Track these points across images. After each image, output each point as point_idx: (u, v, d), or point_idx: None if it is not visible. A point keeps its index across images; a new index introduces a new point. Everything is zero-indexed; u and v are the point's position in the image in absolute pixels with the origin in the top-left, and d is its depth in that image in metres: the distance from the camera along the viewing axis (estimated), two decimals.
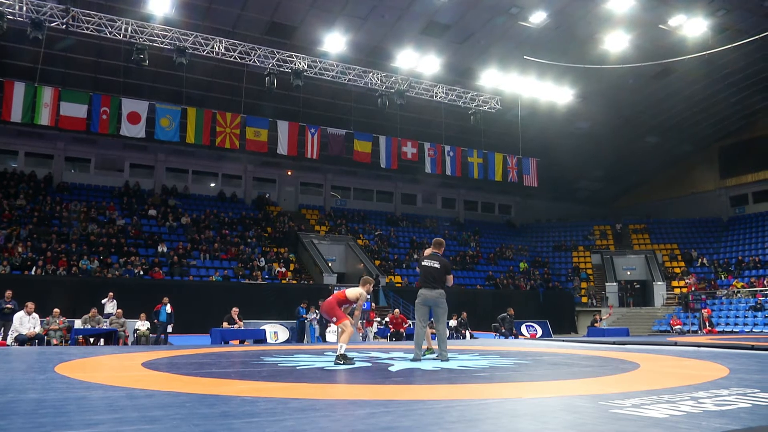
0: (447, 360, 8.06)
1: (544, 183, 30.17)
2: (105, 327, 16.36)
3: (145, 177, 30.42)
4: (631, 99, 30.42)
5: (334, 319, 8.01)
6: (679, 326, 25.49)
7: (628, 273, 34.26)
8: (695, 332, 24.52)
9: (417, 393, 5.31)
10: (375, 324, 20.43)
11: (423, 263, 8.40)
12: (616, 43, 24.32)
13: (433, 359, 8.41)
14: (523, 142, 26.18)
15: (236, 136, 21.95)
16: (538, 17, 23.53)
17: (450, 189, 38.49)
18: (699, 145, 37.23)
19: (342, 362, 7.47)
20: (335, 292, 8.52)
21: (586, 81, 27.04)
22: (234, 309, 17.08)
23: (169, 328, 17.78)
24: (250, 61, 20.81)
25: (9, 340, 14.66)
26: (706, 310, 26.18)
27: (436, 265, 8.38)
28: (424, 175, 30.41)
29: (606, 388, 5.38)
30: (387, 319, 20.60)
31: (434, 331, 8.71)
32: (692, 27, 23.61)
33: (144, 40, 19.07)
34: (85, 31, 18.68)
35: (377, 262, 29.04)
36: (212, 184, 32.74)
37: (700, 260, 33.93)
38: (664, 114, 32.72)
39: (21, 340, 14.06)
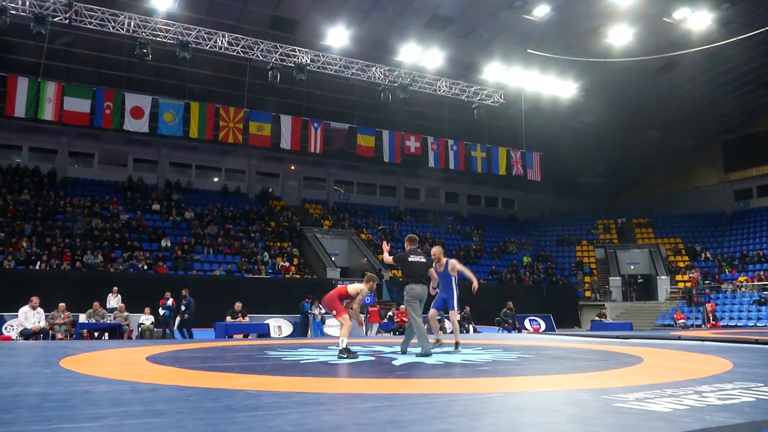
0: (430, 355, 8.02)
1: (548, 177, 30.10)
2: (109, 321, 16.43)
3: (149, 171, 30.42)
4: (635, 93, 30.29)
5: (334, 312, 8.09)
6: (682, 320, 25.46)
7: (632, 267, 34.21)
8: (699, 326, 24.48)
9: (420, 387, 5.32)
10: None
11: (410, 259, 8.42)
12: (619, 36, 24.23)
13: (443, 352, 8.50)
14: (526, 136, 26.11)
15: (239, 130, 21.98)
16: (541, 11, 23.44)
17: (453, 183, 38.42)
18: (703, 140, 37.09)
19: (345, 356, 7.53)
20: (338, 286, 8.58)
21: (590, 75, 26.92)
22: (237, 303, 17.15)
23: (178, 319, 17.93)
24: (253, 55, 20.79)
25: (14, 335, 14.76)
26: (710, 305, 26.13)
27: (423, 260, 8.52)
28: (427, 170, 30.38)
29: (609, 382, 5.38)
30: (391, 313, 20.65)
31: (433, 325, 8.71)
32: (696, 20, 23.47)
33: (147, 35, 19.06)
34: (88, 26, 18.69)
35: (380, 257, 29.03)
36: (215, 179, 32.75)
37: (704, 254, 33.85)
38: (667, 108, 32.59)
39: (26, 335, 14.14)
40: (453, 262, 8.94)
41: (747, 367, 6.56)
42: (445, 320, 19.85)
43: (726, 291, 29.56)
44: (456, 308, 8.99)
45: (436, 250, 9.02)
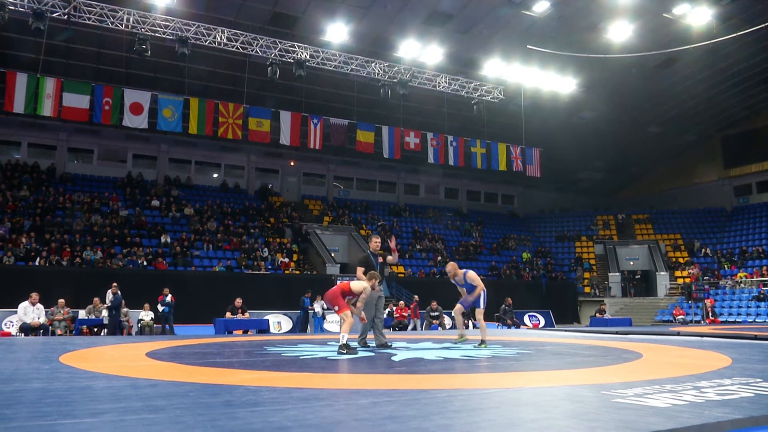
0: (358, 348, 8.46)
1: (547, 173, 30.09)
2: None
3: (148, 168, 30.37)
4: (635, 89, 30.25)
5: (336, 308, 8.13)
6: (682, 316, 25.47)
7: (631, 263, 34.22)
8: (698, 322, 24.49)
9: (420, 382, 5.31)
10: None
11: None
12: (619, 32, 24.14)
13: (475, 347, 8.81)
14: (526, 132, 26.10)
15: (239, 126, 21.96)
16: (541, 6, 23.37)
17: (453, 179, 38.42)
18: (702, 136, 37.07)
19: (345, 352, 7.55)
20: (339, 282, 8.62)
21: (590, 71, 26.89)
22: (237, 300, 17.15)
23: None
24: (252, 51, 20.75)
25: (14, 330, 14.77)
26: (709, 300, 26.12)
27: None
28: (427, 166, 30.35)
29: (608, 378, 5.39)
30: (388, 309, 20.68)
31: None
32: (697, 16, 23.39)
33: (146, 31, 19.02)
34: (87, 22, 18.65)
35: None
36: (215, 175, 32.71)
37: (703, 250, 33.86)
38: (667, 104, 32.56)
39: (25, 329, 14.15)
40: (470, 273, 9.28)
41: (746, 363, 6.57)
42: (445, 317, 19.92)
43: (725, 287, 29.60)
44: (482, 307, 9.19)
45: (449, 268, 9.35)
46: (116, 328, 16.03)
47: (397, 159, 26.32)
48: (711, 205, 37.43)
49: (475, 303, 9.24)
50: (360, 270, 8.84)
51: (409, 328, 19.65)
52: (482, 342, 9.05)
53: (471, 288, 9.18)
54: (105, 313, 16.27)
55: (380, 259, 9.24)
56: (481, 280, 9.43)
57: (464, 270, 9.34)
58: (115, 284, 16.69)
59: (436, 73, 23.88)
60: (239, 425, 3.24)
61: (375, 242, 9.29)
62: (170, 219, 26.46)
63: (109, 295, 17.91)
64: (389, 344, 8.85)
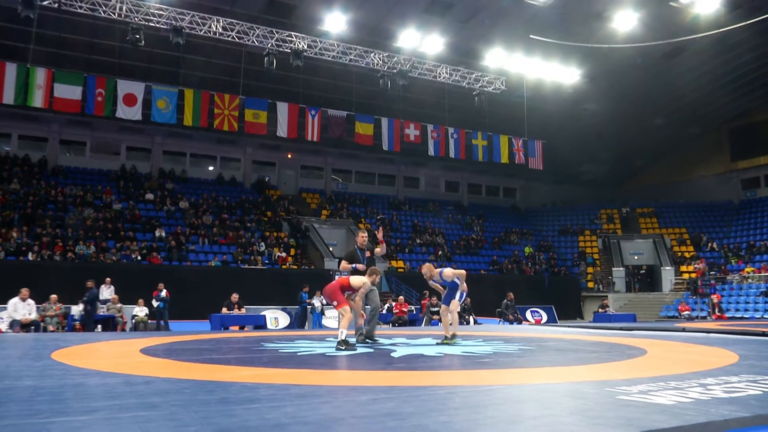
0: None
1: (550, 166, 29.69)
2: (102, 313, 16.17)
3: (142, 160, 30.06)
4: (640, 79, 29.85)
5: (335, 303, 8.02)
6: (687, 312, 25.12)
7: (636, 258, 33.84)
8: (704, 318, 24.12)
9: (420, 379, 5.24)
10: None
11: None
12: (624, 21, 23.65)
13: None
14: (528, 124, 25.78)
15: (235, 118, 21.68)
16: None
17: (454, 172, 38.08)
18: (709, 127, 36.62)
19: (343, 348, 7.46)
20: (337, 277, 8.49)
21: (593, 61, 26.47)
22: (234, 295, 16.87)
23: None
24: (248, 41, 20.46)
25: (4, 327, 14.48)
26: (715, 296, 25.72)
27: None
28: (427, 158, 30.06)
29: (612, 374, 5.28)
30: (387, 305, 20.35)
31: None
32: (704, 4, 22.85)
33: (139, 20, 18.78)
34: (79, 11, 18.36)
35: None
36: (211, 168, 32.39)
37: (709, 245, 33.42)
38: (673, 95, 32.14)
39: (15, 325, 13.85)
40: (446, 270, 8.86)
41: (753, 360, 6.46)
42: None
43: (732, 282, 29.19)
44: (458, 300, 8.75)
45: (424, 269, 8.96)
46: (92, 323, 15.72)
47: (397, 151, 26.00)
48: (718, 198, 36.99)
49: (452, 294, 8.77)
50: (344, 263, 8.84)
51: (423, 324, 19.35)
52: (446, 339, 8.64)
53: (452, 284, 8.75)
54: (80, 307, 15.89)
55: (367, 253, 9.06)
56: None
57: (440, 269, 8.95)
58: (108, 279, 16.42)
59: (436, 63, 23.51)
60: (235, 422, 3.21)
61: (362, 237, 9.18)
62: (165, 213, 26.18)
63: (104, 290, 17.69)
64: (375, 339, 8.68)
